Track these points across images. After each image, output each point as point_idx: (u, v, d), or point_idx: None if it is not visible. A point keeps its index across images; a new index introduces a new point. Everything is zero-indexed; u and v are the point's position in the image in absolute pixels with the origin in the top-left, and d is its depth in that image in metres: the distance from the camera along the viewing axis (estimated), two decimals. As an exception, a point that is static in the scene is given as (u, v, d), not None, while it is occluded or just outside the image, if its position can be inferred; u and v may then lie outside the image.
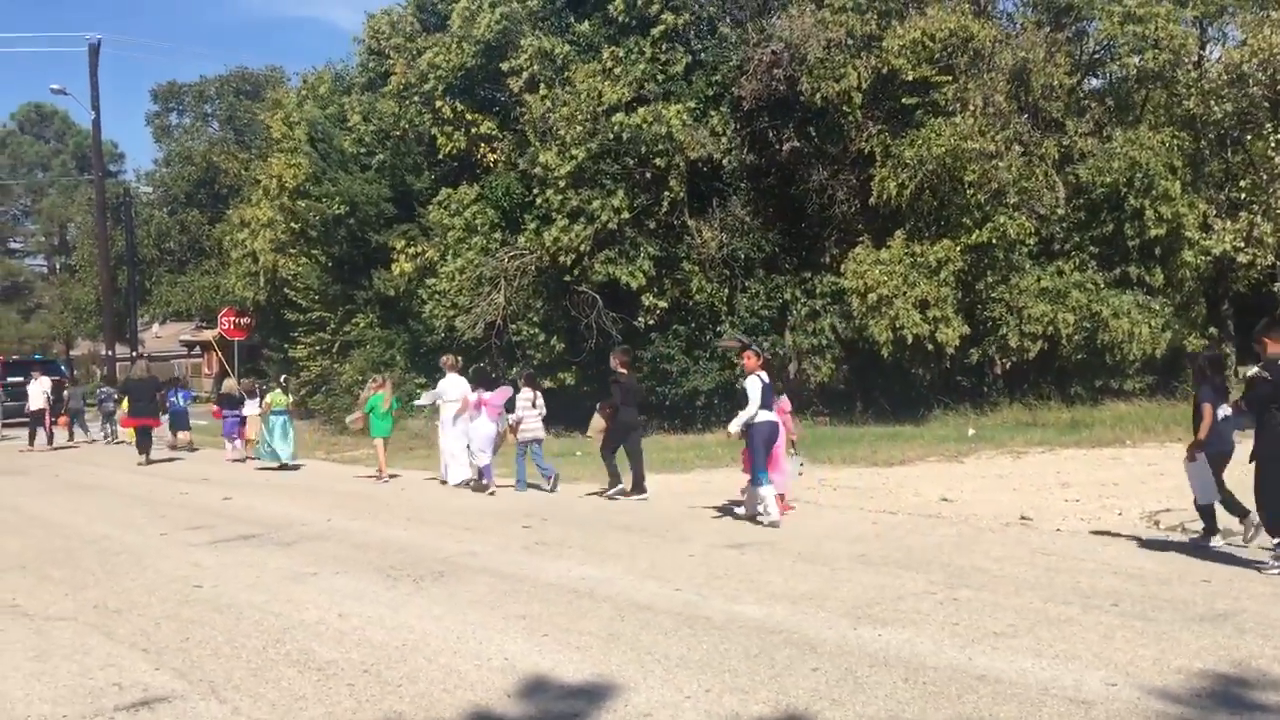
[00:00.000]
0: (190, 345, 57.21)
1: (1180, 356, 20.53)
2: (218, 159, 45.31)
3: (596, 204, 20.08)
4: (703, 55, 21.82)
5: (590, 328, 20.98)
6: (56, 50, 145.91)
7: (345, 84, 28.97)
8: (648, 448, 13.95)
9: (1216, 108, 20.13)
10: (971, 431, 17.59)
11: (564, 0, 22.59)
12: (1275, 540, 7.57)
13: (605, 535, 10.22)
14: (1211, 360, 9.11)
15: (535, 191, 21.29)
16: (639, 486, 12.88)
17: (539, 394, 14.58)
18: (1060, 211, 19.92)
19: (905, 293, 18.74)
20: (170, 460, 21.29)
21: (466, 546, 9.81)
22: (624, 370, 13.49)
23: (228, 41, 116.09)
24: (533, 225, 21.35)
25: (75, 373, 46.44)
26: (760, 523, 10.39)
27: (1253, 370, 8.04)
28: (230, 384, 24.19)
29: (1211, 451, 8.37)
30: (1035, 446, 15.78)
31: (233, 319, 34.24)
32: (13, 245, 61.50)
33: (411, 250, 23.71)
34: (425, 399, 16.39)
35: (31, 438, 24.97)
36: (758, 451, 10.49)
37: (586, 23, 21.93)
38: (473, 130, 23.53)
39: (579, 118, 20.26)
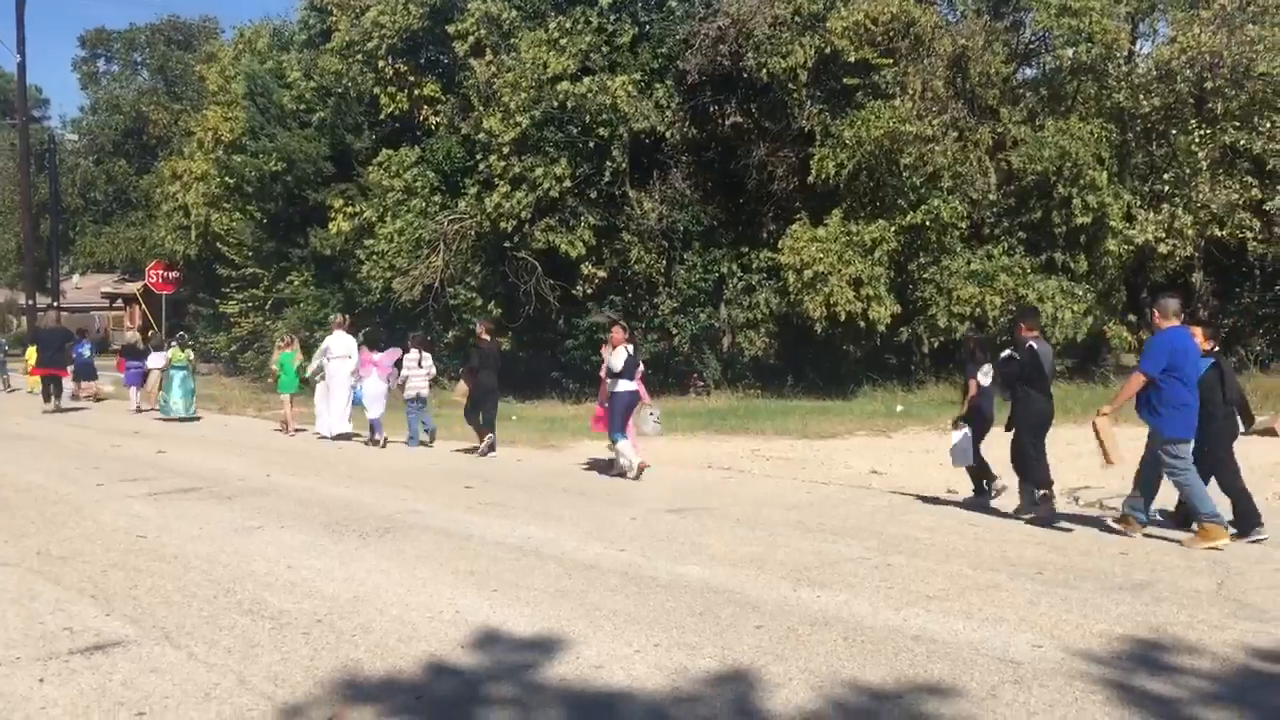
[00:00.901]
0: (112, 298, 55.99)
1: (1099, 342, 21.27)
2: (147, 109, 44.35)
3: (539, 171, 20.14)
4: (650, 28, 21.92)
5: (529, 294, 21.09)
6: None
7: (284, 39, 28.53)
8: (583, 415, 14.58)
9: (1145, 102, 20.73)
10: (900, 408, 18.05)
11: (512, -35, 22.52)
12: (1039, 493, 9.02)
13: (547, 497, 10.41)
14: (979, 343, 10.44)
15: (478, 156, 21.27)
16: (485, 448, 13.89)
17: (426, 354, 15.59)
18: (992, 197, 20.43)
19: (840, 270, 19.12)
20: (77, 410, 21.51)
21: (410, 505, 9.92)
22: (486, 338, 14.58)
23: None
24: (474, 190, 21.34)
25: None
26: (627, 476, 11.52)
27: (1006, 352, 9.58)
28: (133, 336, 23.98)
29: (982, 418, 9.80)
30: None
31: (161, 272, 33.62)
32: (-71, 189, 59.48)
33: (350, 210, 23.55)
34: (314, 363, 16.79)
35: None
36: (617, 414, 11.71)
37: (534, -11, 21.92)
38: (415, 92, 23.40)
39: (524, 85, 20.27)
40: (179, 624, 6.00)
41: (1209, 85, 20.24)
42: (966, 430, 9.78)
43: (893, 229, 19.65)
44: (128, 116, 45.61)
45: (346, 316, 17.82)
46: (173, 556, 7.70)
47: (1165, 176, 21.33)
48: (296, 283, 25.72)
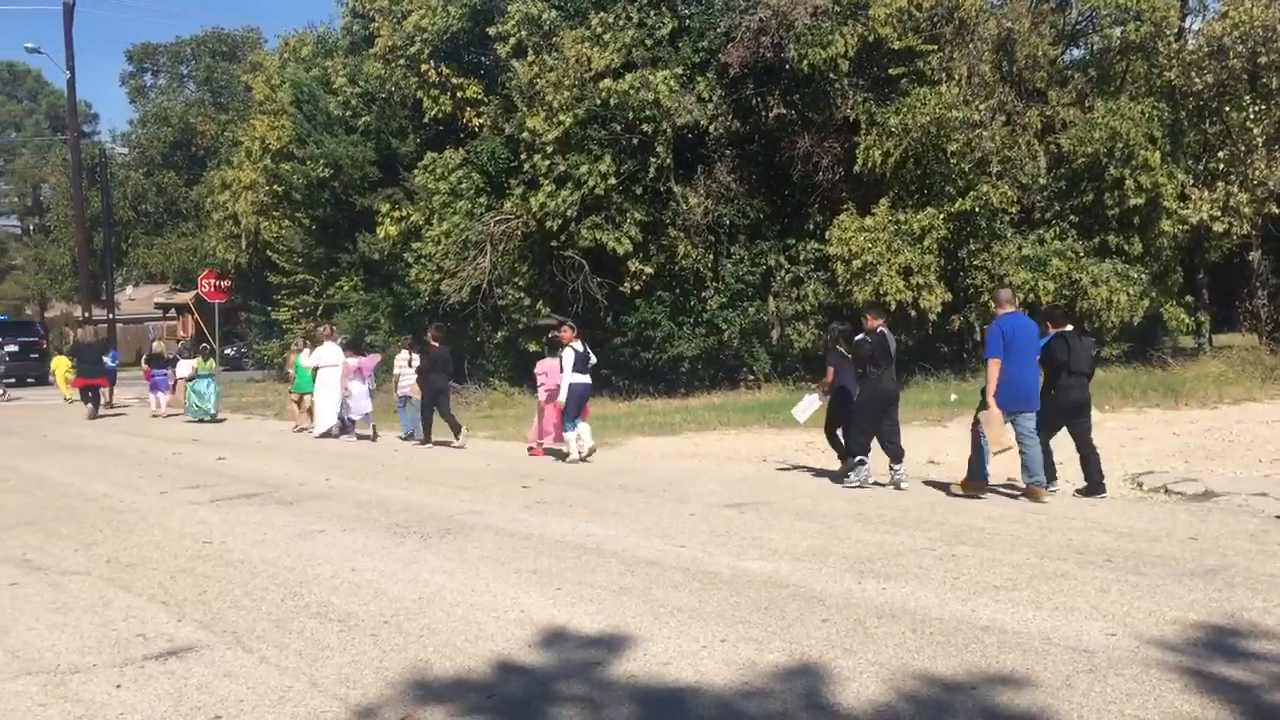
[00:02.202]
0: (165, 308, 56.84)
1: (1156, 324, 20.93)
2: (195, 120, 44.97)
3: (583, 169, 20.15)
4: (690, 21, 21.84)
5: (576, 292, 21.12)
6: (30, 8, 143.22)
7: (328, 46, 28.80)
8: (635, 412, 14.67)
9: (1196, 79, 20.35)
10: (954, 397, 17.85)
11: (551, -36, 22.54)
12: (857, 457, 10.40)
13: (604, 495, 10.43)
14: (843, 333, 11.56)
15: (522, 156, 21.33)
16: (428, 439, 15.49)
17: (416, 355, 16.51)
18: (1042, 181, 20.16)
19: (889, 260, 18.98)
20: (117, 415, 23.23)
21: (468, 505, 9.98)
22: (435, 343, 15.70)
23: (201, 2, 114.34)
24: (519, 190, 21.41)
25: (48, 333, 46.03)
26: (569, 460, 12.97)
27: (858, 338, 10.88)
28: (159, 345, 25.94)
29: (840, 398, 11.09)
30: (1017, 412, 16.04)
31: (213, 281, 34.09)
32: (-15, 205, 60.91)
33: (396, 214, 23.72)
34: (307, 362, 18.28)
35: None
36: (571, 405, 13.04)
37: (573, -13, 21.91)
38: (459, 94, 23.50)
39: (566, 83, 20.28)
40: (249, 628, 6.07)
41: (1263, 60, 19.83)
42: (816, 396, 11.52)
43: (941, 216, 19.47)
44: (176, 128, 46.28)
45: (335, 327, 20.10)
46: (239, 561, 7.81)
47: (1219, 154, 20.93)
48: (346, 288, 25.96)
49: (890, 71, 19.95)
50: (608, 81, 20.00)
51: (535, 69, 20.82)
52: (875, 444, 10.61)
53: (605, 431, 16.02)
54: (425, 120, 24.12)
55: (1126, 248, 19.80)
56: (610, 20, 20.75)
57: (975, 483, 9.64)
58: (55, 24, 44.80)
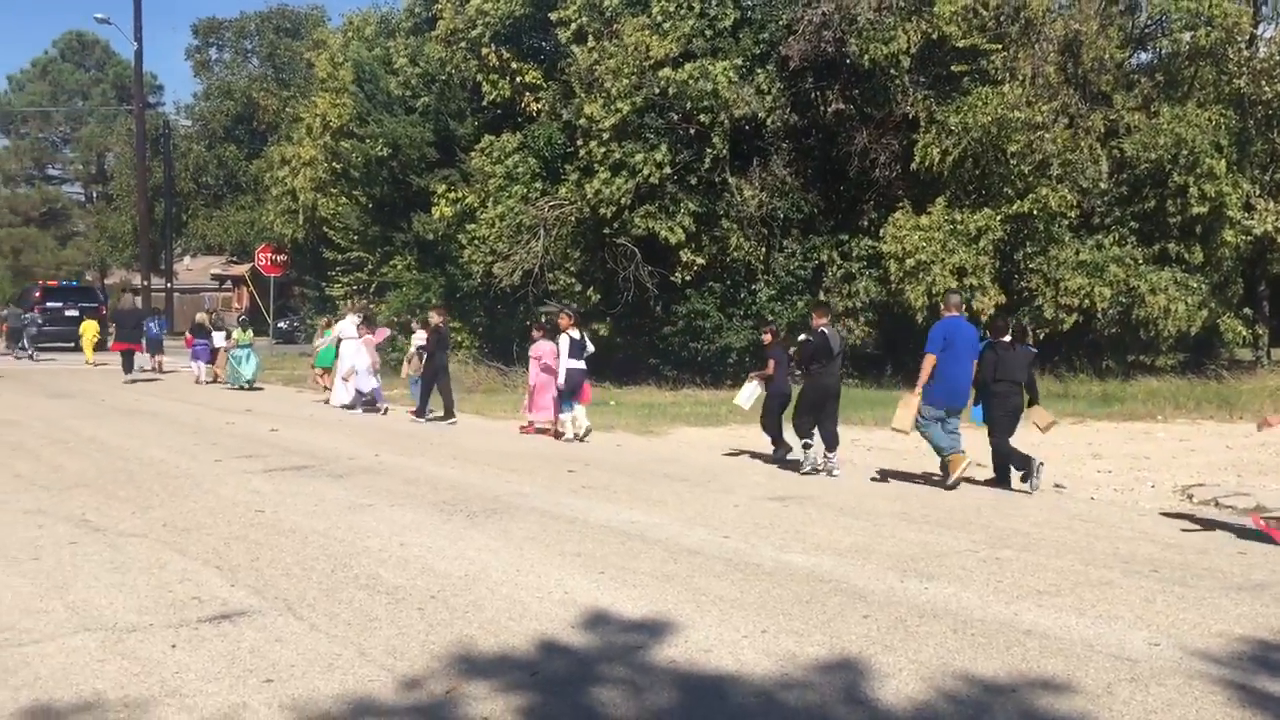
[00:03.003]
0: (221, 279, 57.75)
1: (1213, 335, 20.63)
2: (257, 95, 45.50)
3: (639, 158, 20.19)
4: (752, 13, 21.78)
5: (627, 280, 21.18)
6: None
7: (391, 26, 29.02)
8: (681, 401, 15.11)
9: (1266, 88, 19.98)
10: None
11: (615, -48, 22.55)
12: (803, 440, 11.17)
13: (649, 482, 10.50)
14: (777, 330, 13.13)
15: (578, 143, 21.40)
16: (421, 413, 16.25)
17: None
18: (1103, 185, 19.92)
19: (943, 259, 18.86)
20: (151, 380, 24.26)
21: (515, 487, 10.10)
22: (440, 321, 16.69)
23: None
24: (574, 176, 21.49)
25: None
26: (564, 439, 13.75)
27: (802, 337, 11.86)
28: (201, 316, 26.45)
29: (774, 391, 12.11)
30: (1066, 418, 15.90)
31: (269, 255, 34.52)
32: (51, 172, 61.86)
33: (452, 195, 23.90)
34: (328, 339, 19.31)
35: None
36: (569, 390, 13.86)
37: (637, -25, 21.92)
38: (518, 79, 23.62)
39: (625, 71, 20.31)
40: (300, 596, 6.21)
41: (1335, 70, 19.47)
42: (757, 384, 12.45)
43: (998, 218, 19.30)
44: (238, 103, 46.85)
45: (358, 301, 20.81)
46: (290, 531, 7.97)
47: (1287, 165, 20.60)
48: (399, 267, 26.19)
49: (952, 69, 19.79)
50: (666, 70, 20.01)
51: (595, 55, 20.87)
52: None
53: (651, 420, 16.11)
54: (484, 103, 24.26)
55: (1187, 256, 19.53)
56: (671, 9, 20.76)
57: (954, 452, 10.37)
58: (125, -4, 45.48)
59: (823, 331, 11.45)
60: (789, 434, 11.86)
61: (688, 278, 21.26)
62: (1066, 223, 19.64)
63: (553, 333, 14.82)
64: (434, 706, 4.59)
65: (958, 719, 4.46)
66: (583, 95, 21.11)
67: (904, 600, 6.17)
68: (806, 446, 11.19)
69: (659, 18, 20.70)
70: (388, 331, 19.38)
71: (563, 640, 5.48)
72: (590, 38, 21.37)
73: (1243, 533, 8.12)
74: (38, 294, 37.38)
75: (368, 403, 17.78)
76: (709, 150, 20.47)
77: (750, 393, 12.50)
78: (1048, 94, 19.23)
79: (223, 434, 14.15)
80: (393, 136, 24.79)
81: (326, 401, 19.02)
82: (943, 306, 11.07)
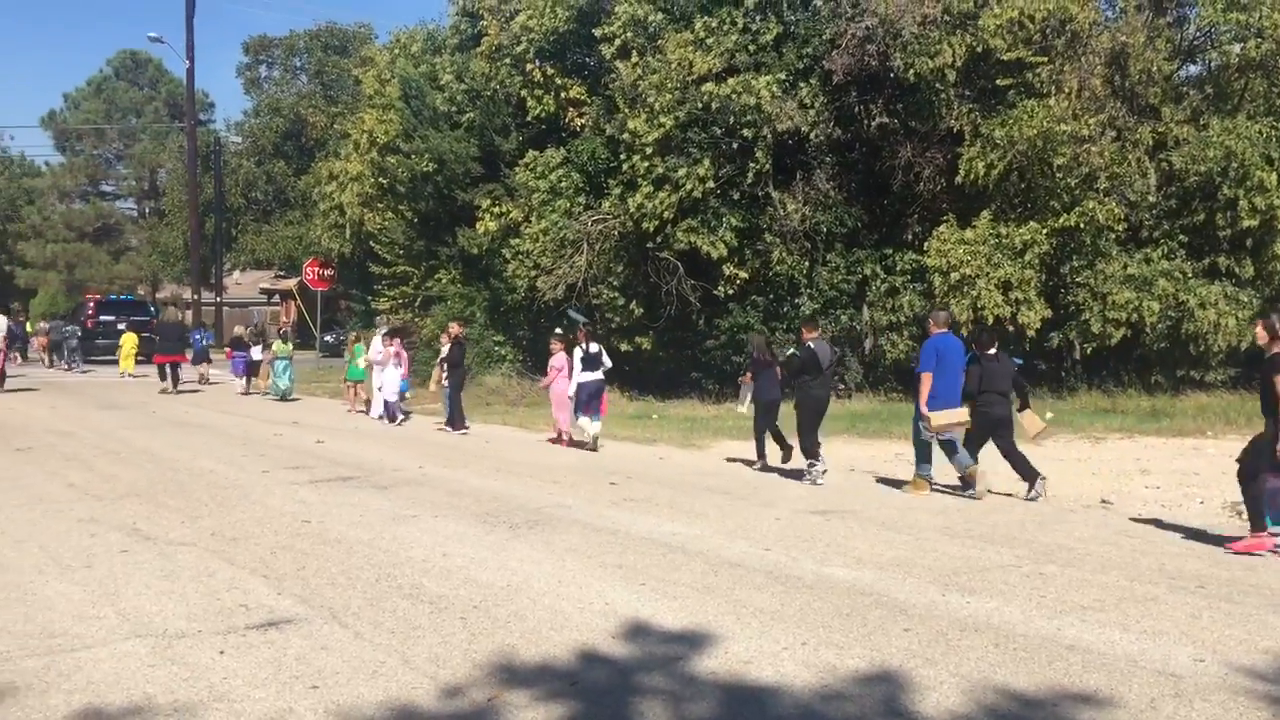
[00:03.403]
0: (270, 293, 58.47)
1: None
2: (305, 112, 46.14)
3: (682, 172, 20.25)
4: (795, 27, 21.80)
5: (670, 294, 21.22)
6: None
7: (437, 44, 29.36)
8: (724, 415, 16.13)
9: (1319, 99, 19.72)
10: (1049, 415, 17.54)
11: (658, -32, 22.69)
12: (809, 460, 11.49)
13: (691, 495, 10.52)
14: (766, 341, 13.90)
15: (621, 157, 21.50)
16: (456, 425, 16.72)
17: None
18: (1151, 199, 19.69)
19: (988, 273, 18.73)
20: (193, 392, 24.98)
21: (557, 499, 10.16)
22: (460, 334, 17.78)
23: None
24: (617, 190, 21.59)
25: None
26: (589, 448, 14.21)
27: (790, 351, 12.79)
28: (239, 330, 27.67)
29: (765, 399, 12.54)
30: (1114, 433, 15.77)
31: (317, 269, 34.95)
32: (105, 188, 63.01)
33: (496, 210, 24.10)
34: (371, 354, 19.82)
35: None
36: (583, 400, 14.39)
37: (680, -10, 22.03)
38: (562, 94, 23.80)
39: (669, 86, 20.40)
40: (344, 605, 6.30)
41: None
42: (750, 384, 12.90)
43: (1044, 231, 19.14)
44: (287, 119, 47.55)
45: (390, 317, 22.01)
46: (335, 541, 8.08)
47: (1340, 177, 20.22)
48: (444, 280, 26.44)
49: (998, 82, 19.67)
50: (709, 85, 20.07)
51: (638, 71, 20.98)
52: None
53: (694, 434, 16.13)
54: (528, 119, 24.47)
55: (1237, 270, 19.26)
56: (715, 24, 20.83)
57: (920, 480, 11.04)
58: (177, 14, 46.39)
59: (810, 346, 11.95)
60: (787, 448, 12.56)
61: (730, 291, 21.26)
62: (1114, 236, 19.43)
63: (572, 347, 15.14)
64: (476, 714, 4.65)
65: (998, 733, 4.45)
66: (626, 110, 21.23)
67: (945, 614, 6.15)
68: (814, 464, 11.49)
69: (702, 33, 20.78)
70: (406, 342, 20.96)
71: (603, 650, 5.52)
72: (634, 53, 21.49)
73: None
74: (90, 308, 38.10)
75: (391, 415, 18.41)
76: (752, 164, 20.49)
77: (744, 396, 13.26)
78: (1094, 107, 19.07)
79: (270, 446, 14.35)
80: (438, 152, 25.06)
81: (365, 411, 19.81)
82: (931, 324, 11.33)
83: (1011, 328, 18.78)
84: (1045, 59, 19.25)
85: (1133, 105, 19.94)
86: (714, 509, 9.71)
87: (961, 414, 10.71)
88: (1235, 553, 7.84)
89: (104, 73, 62.86)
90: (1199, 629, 5.85)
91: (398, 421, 18.05)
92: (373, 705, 4.72)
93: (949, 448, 10.76)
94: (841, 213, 21.35)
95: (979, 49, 19.34)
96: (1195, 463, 13.05)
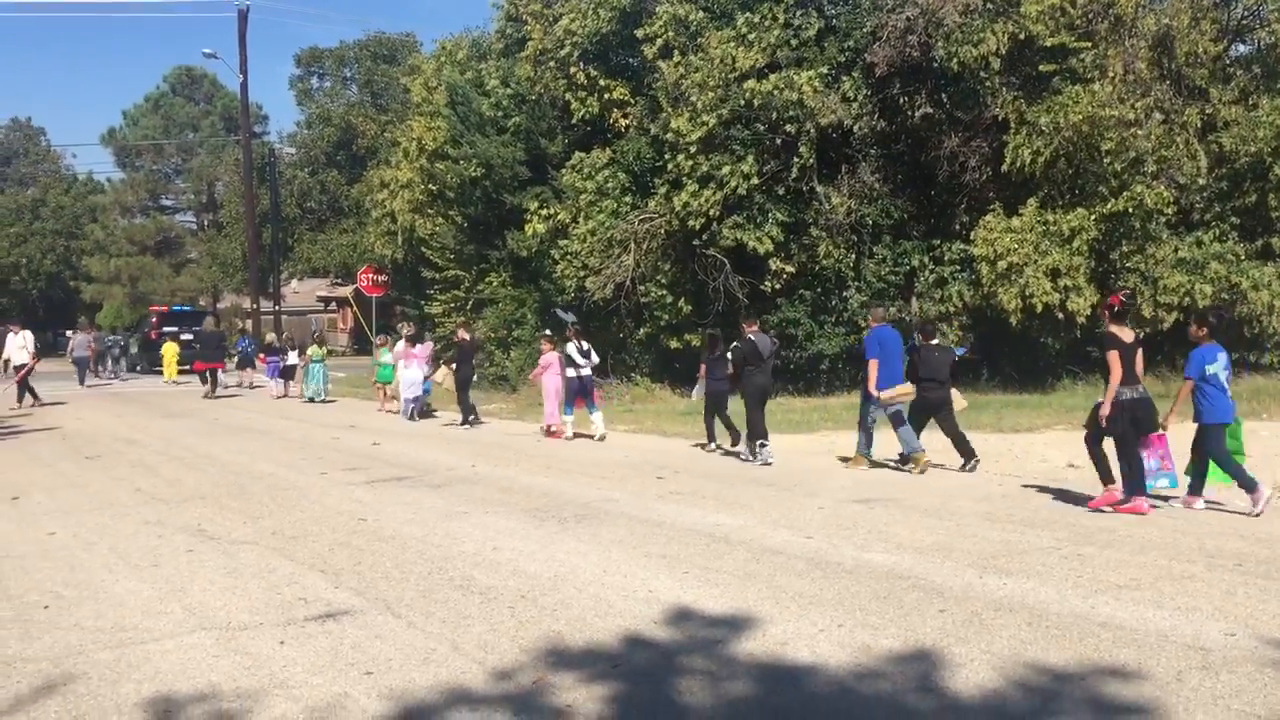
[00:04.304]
0: (326, 300, 59.43)
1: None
2: (355, 121, 46.82)
3: (726, 169, 20.37)
4: (836, 21, 21.83)
5: (717, 291, 21.35)
6: (207, 16, 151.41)
7: (482, 50, 29.73)
8: (773, 409, 15.37)
9: (1373, 75, 19.40)
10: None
11: (699, -34, 22.84)
12: (757, 440, 12.69)
13: (736, 488, 10.68)
14: (714, 337, 14.57)
15: (666, 156, 21.67)
16: (466, 420, 18.15)
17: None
18: (1201, 181, 19.48)
19: (1036, 261, 18.65)
20: (233, 396, 26.72)
21: (604, 493, 10.38)
22: (466, 336, 19.07)
23: (362, 6, 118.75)
24: (663, 189, 21.76)
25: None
26: (597, 438, 15.37)
27: (735, 344, 13.68)
28: (271, 337, 29.31)
29: (709, 391, 13.87)
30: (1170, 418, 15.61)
31: (371, 276, 35.55)
32: (165, 202, 64.38)
33: (544, 212, 24.36)
34: (391, 355, 21.33)
35: (19, 396, 23.03)
36: (573, 393, 15.74)
37: (721, -12, 22.15)
38: (606, 95, 24.01)
39: (711, 84, 20.53)
40: (398, 597, 6.56)
41: None
42: (703, 384, 14.25)
43: (1093, 217, 19.00)
44: (338, 129, 48.30)
45: (412, 324, 23.49)
46: (390, 537, 8.35)
47: (1396, 154, 19.86)
48: (495, 283, 26.77)
49: (1041, 69, 19.55)
50: (752, 82, 20.17)
51: (681, 70, 21.13)
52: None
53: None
54: (573, 121, 24.72)
55: (1291, 251, 19.01)
56: (756, 21, 20.92)
57: (861, 451, 12.38)
58: (231, 30, 47.33)
59: (750, 339, 13.22)
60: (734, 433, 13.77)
61: (778, 286, 21.35)
62: (1164, 220, 19.25)
63: (564, 345, 16.29)
64: (523, 695, 4.86)
65: (1026, 704, 4.57)
66: (669, 109, 21.39)
67: (981, 595, 6.26)
68: (763, 446, 12.68)
69: (744, 30, 20.89)
70: (431, 345, 21.81)
71: (646, 635, 5.72)
72: (676, 53, 21.64)
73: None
74: (154, 320, 39.04)
75: (409, 413, 19.69)
76: (796, 159, 20.56)
77: (699, 388, 14.64)
78: (1140, 90, 18.90)
79: (327, 449, 14.72)
80: (486, 157, 25.39)
81: (394, 412, 20.82)
82: (870, 318, 12.98)
83: (1061, 315, 18.69)
84: (1089, 44, 19.13)
85: (1179, 87, 19.74)
86: (758, 500, 9.87)
87: (907, 387, 11.95)
88: (1091, 509, 9.02)
89: (161, 89, 64.26)
90: (1233, 605, 5.92)
91: (408, 414, 19.58)
92: (424, 689, 4.95)
93: (896, 419, 11.95)
94: (887, 205, 21.35)
95: (1021, 36, 19.24)
96: (1248, 445, 12.93)
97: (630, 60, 24.34)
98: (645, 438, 15.75)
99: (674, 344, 22.27)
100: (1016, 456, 12.61)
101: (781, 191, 20.98)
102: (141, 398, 26.48)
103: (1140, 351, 9.50)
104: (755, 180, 20.38)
